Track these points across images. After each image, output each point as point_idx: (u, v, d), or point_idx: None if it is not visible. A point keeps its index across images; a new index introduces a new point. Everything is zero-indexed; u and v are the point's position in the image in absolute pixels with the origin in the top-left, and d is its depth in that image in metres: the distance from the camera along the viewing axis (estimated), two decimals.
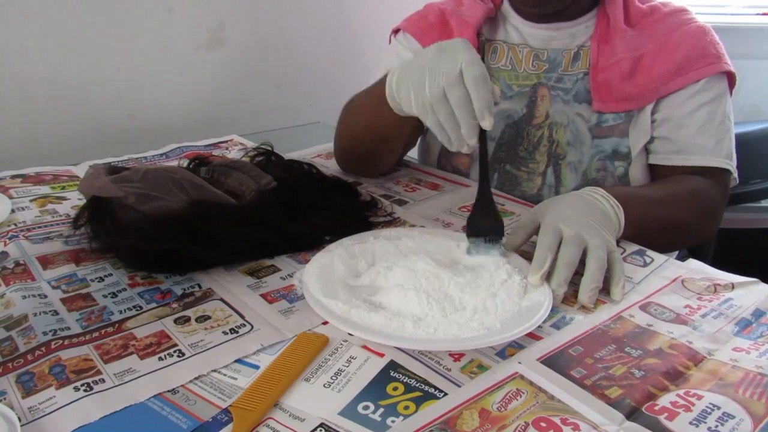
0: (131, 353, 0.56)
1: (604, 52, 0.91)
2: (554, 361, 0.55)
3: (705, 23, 0.91)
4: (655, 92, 0.88)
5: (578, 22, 0.93)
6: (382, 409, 0.50)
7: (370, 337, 0.56)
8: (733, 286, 0.67)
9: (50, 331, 0.58)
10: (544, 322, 0.60)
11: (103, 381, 0.52)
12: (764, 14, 1.85)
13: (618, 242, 0.75)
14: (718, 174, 0.89)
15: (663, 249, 0.77)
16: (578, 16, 0.93)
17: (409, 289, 0.61)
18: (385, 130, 0.89)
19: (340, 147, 1.00)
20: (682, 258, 0.78)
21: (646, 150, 0.92)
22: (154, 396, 0.51)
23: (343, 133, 0.98)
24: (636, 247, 0.77)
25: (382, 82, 0.81)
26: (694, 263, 0.72)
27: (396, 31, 1.06)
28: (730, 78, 0.90)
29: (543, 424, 0.48)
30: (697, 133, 0.88)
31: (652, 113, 0.90)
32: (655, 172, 0.93)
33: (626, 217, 0.73)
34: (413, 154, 1.11)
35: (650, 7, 0.93)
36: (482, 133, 0.68)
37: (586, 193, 0.74)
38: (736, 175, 0.91)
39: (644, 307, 0.64)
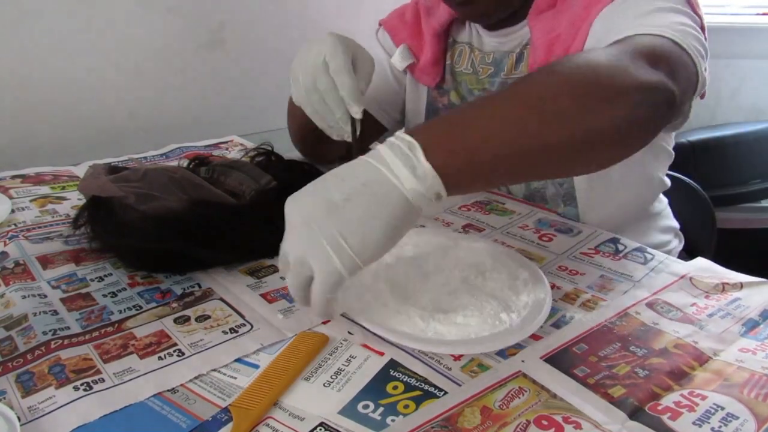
0: (131, 353, 0.56)
1: (537, 48, 0.83)
2: (558, 360, 0.55)
3: None
4: (575, 42, 0.76)
5: (523, 24, 0.87)
6: (382, 408, 0.50)
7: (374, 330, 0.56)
8: (741, 286, 0.67)
9: (50, 330, 0.58)
10: (544, 321, 0.59)
11: (103, 380, 0.52)
12: (764, 14, 1.84)
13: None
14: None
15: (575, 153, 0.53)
16: (523, 19, 0.87)
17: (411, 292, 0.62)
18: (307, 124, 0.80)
19: (293, 138, 1.03)
20: (682, 258, 0.78)
21: None
22: (154, 395, 0.51)
23: (290, 128, 1.01)
24: (636, 245, 0.76)
25: None
26: (702, 262, 0.72)
27: (380, 25, 1.06)
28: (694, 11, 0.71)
29: (545, 423, 0.48)
30: (612, 24, 0.68)
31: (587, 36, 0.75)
32: None
33: (441, 148, 0.50)
34: None
35: None
36: (353, 122, 0.72)
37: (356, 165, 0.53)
38: (702, 69, 0.65)
39: (651, 305, 0.64)
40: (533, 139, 0.51)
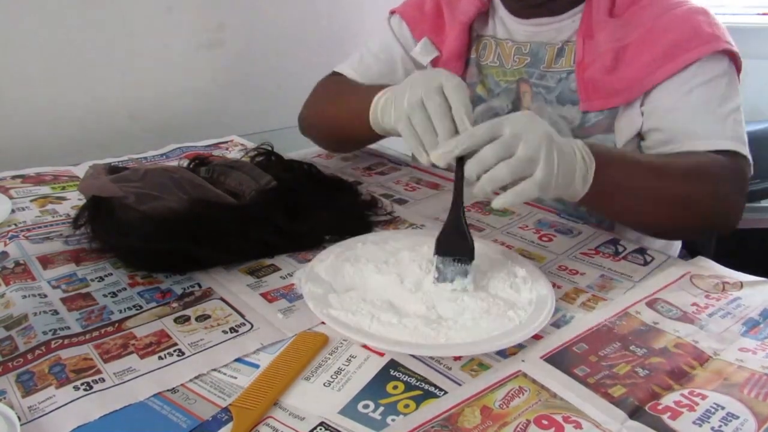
0: (131, 352, 0.56)
1: (589, 48, 0.84)
2: (558, 359, 0.55)
3: (700, 5, 0.82)
4: (641, 84, 0.80)
5: (564, 17, 0.88)
6: (382, 408, 0.50)
7: (372, 342, 0.56)
8: (741, 285, 0.67)
9: (50, 330, 0.58)
10: (552, 314, 0.59)
11: (103, 380, 0.52)
12: (764, 14, 1.84)
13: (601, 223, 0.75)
14: (730, 156, 0.76)
15: (660, 230, 0.73)
16: (564, 11, 0.88)
17: (409, 291, 0.61)
18: (358, 136, 0.92)
19: (307, 125, 1.04)
20: (683, 258, 0.78)
21: (640, 149, 0.85)
22: (154, 395, 0.51)
23: (312, 117, 1.01)
24: (636, 246, 0.76)
25: (362, 99, 0.82)
26: (703, 261, 0.72)
27: (392, 13, 1.05)
28: (735, 59, 0.80)
29: (545, 422, 0.48)
30: (690, 118, 0.78)
31: (641, 105, 0.82)
32: None
33: (604, 171, 0.65)
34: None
35: None
36: (459, 161, 0.62)
37: (567, 139, 0.66)
38: (750, 161, 0.79)
39: (651, 304, 0.64)
40: (661, 220, 0.74)
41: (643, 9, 0.83)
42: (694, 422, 0.48)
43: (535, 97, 0.91)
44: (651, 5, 0.82)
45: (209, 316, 0.61)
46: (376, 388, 0.52)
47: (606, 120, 0.84)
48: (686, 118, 0.78)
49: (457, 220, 0.63)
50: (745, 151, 0.78)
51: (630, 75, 0.81)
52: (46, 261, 0.71)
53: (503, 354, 0.56)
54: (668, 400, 0.51)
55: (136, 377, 0.53)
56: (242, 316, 0.62)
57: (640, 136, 0.84)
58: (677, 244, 0.99)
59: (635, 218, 0.74)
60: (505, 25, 0.94)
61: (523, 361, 0.55)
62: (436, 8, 1.00)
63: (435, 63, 0.98)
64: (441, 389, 0.52)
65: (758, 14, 1.85)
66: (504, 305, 0.60)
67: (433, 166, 0.64)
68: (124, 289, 0.66)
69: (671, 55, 0.78)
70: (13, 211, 0.82)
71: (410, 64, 1.02)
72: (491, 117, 0.94)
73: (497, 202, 0.61)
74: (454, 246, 0.63)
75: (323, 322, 0.59)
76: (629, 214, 0.73)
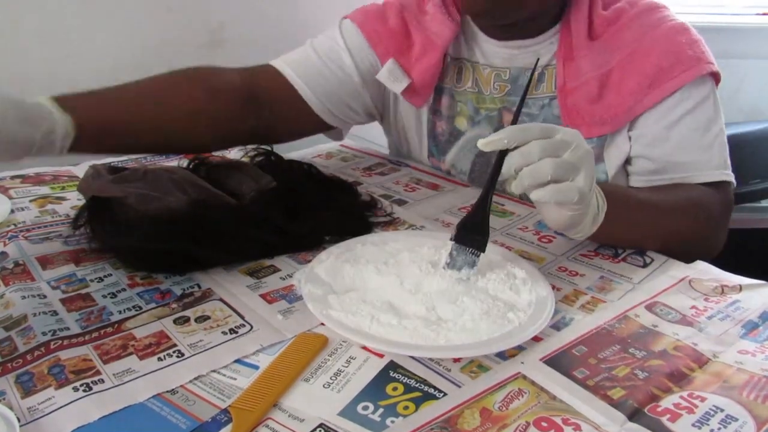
0: (130, 353, 0.56)
1: (570, 72, 0.82)
2: (557, 362, 0.55)
3: (679, 21, 0.81)
4: (628, 112, 0.80)
5: (541, 39, 0.85)
6: (381, 410, 0.50)
7: (371, 344, 0.55)
8: (740, 288, 0.67)
9: (49, 331, 0.58)
10: (552, 316, 0.59)
11: (103, 381, 0.52)
12: (764, 14, 1.84)
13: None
14: (716, 185, 0.80)
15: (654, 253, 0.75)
16: (540, 32, 0.85)
17: (408, 292, 0.61)
18: None
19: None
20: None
21: (626, 172, 0.86)
22: (154, 396, 0.51)
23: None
24: (635, 247, 0.76)
25: None
26: (701, 264, 0.72)
27: (345, 19, 0.96)
28: (715, 76, 0.81)
29: (544, 424, 0.48)
30: (679, 147, 0.80)
31: (629, 130, 0.83)
32: None
33: (612, 212, 0.66)
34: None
35: (615, 11, 0.82)
36: (500, 154, 0.62)
37: None
38: (733, 181, 0.82)
39: (650, 307, 0.64)
40: (656, 250, 0.75)
41: (622, 30, 0.81)
42: (693, 424, 0.48)
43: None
44: (630, 26, 0.81)
45: (209, 317, 0.61)
46: (375, 389, 0.52)
47: (596, 149, 0.83)
48: (674, 150, 0.80)
49: (482, 213, 0.64)
50: (731, 177, 0.81)
51: (615, 103, 0.81)
52: (45, 261, 0.71)
53: (503, 356, 0.56)
54: (667, 402, 0.51)
55: (136, 378, 0.53)
56: (242, 317, 0.62)
57: (626, 161, 0.85)
58: None
59: (631, 247, 0.76)
60: (481, 48, 0.90)
61: (522, 363, 0.55)
62: (402, 24, 0.92)
63: (404, 90, 0.92)
64: (440, 391, 0.52)
65: (758, 14, 1.85)
66: (504, 307, 0.60)
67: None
68: (124, 289, 0.66)
69: (656, 82, 0.79)
70: (12, 211, 0.82)
71: (357, 79, 0.93)
72: (472, 149, 0.93)
73: (537, 193, 0.59)
74: (473, 237, 0.64)
75: (323, 324, 0.59)
76: (625, 245, 0.76)
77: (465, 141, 0.95)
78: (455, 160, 0.97)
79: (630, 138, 0.83)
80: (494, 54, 0.89)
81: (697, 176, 0.80)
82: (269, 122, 0.90)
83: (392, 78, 0.91)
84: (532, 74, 0.72)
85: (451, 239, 0.65)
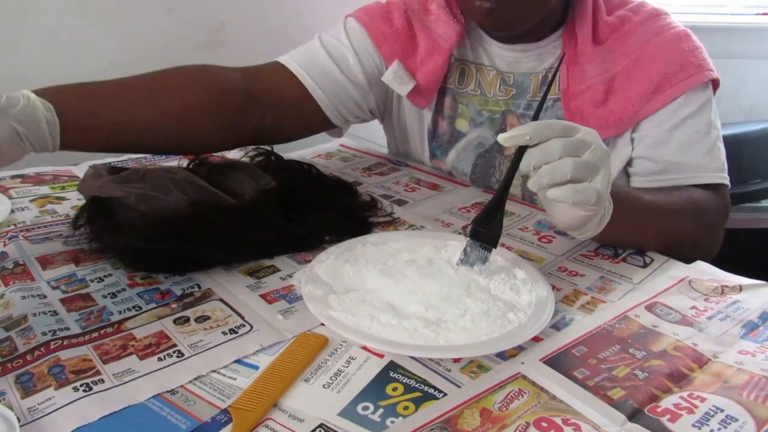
0: (130, 353, 0.56)
1: (574, 76, 0.84)
2: (557, 362, 0.55)
3: (681, 28, 0.84)
4: (633, 116, 0.82)
5: (544, 43, 0.87)
6: (381, 410, 0.50)
7: (371, 344, 0.55)
8: (740, 288, 0.67)
9: (49, 331, 0.58)
10: (552, 316, 0.59)
11: (103, 381, 0.52)
12: (764, 14, 1.84)
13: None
14: (714, 188, 0.83)
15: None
16: (545, 36, 0.86)
17: (408, 292, 0.61)
18: None
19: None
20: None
21: (627, 173, 0.87)
22: (154, 396, 0.51)
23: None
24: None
25: None
26: (701, 265, 0.72)
27: (349, 17, 0.95)
28: (714, 83, 0.83)
29: (544, 424, 0.48)
30: (681, 149, 0.82)
31: (632, 132, 0.84)
32: None
33: (618, 213, 0.67)
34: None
35: (619, 18, 0.84)
36: (519, 150, 0.61)
37: None
38: (729, 185, 0.84)
39: (650, 308, 0.64)
40: (656, 251, 0.75)
41: (627, 35, 0.83)
42: (693, 425, 0.48)
43: None
44: (634, 32, 0.83)
45: (209, 317, 0.61)
46: (375, 389, 0.52)
47: None
48: (676, 151, 0.82)
49: (496, 209, 0.64)
50: (726, 179, 0.84)
51: (620, 107, 0.82)
52: (45, 261, 0.71)
53: (503, 356, 0.56)
54: (667, 402, 0.51)
55: (136, 378, 0.53)
56: (242, 317, 0.62)
57: (627, 162, 0.86)
58: None
59: (631, 247, 0.76)
60: (487, 50, 0.91)
61: (522, 363, 0.55)
62: (407, 25, 0.92)
63: (409, 92, 0.92)
64: (440, 391, 0.52)
65: (758, 14, 1.85)
66: (504, 307, 0.60)
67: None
68: (124, 289, 0.66)
69: (660, 87, 0.81)
70: (12, 211, 0.82)
71: (363, 79, 0.93)
72: (474, 149, 0.94)
73: (554, 192, 0.59)
74: (487, 233, 0.64)
75: (323, 324, 0.59)
76: (626, 245, 0.76)
77: (466, 142, 0.95)
78: (456, 161, 0.97)
79: (632, 140, 0.84)
80: (499, 57, 0.90)
81: (698, 178, 0.82)
82: (273, 122, 0.89)
83: (397, 80, 0.91)
84: (556, 70, 0.72)
85: (466, 235, 0.65)
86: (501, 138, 0.60)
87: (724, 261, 0.75)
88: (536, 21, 0.83)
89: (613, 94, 0.83)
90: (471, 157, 0.95)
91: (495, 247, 0.64)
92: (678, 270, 0.71)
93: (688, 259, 0.73)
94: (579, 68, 0.84)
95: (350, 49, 0.92)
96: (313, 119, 0.93)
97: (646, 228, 0.74)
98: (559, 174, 0.58)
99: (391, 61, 0.92)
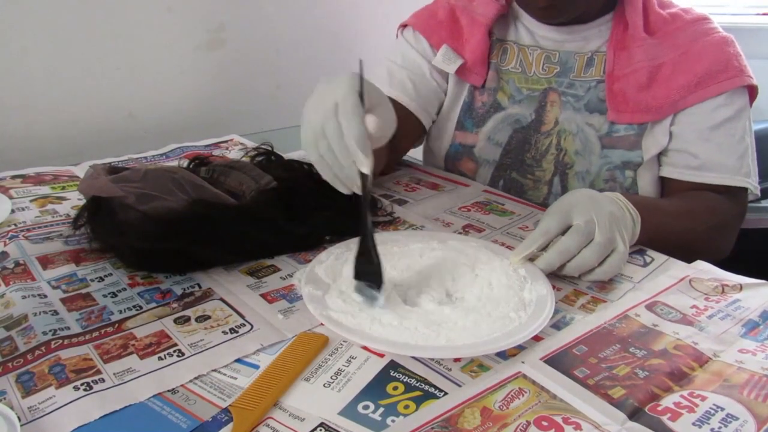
0: (131, 353, 0.56)
1: (620, 60, 0.88)
2: (558, 361, 0.55)
3: (726, 34, 0.89)
4: (673, 105, 0.86)
5: (592, 25, 0.91)
6: (382, 409, 0.50)
7: (372, 344, 0.55)
8: (741, 287, 0.67)
9: (50, 330, 0.58)
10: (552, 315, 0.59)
11: (103, 380, 0.52)
12: (764, 14, 1.84)
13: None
14: (737, 192, 0.87)
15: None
16: (592, 19, 0.91)
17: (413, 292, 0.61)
18: None
19: None
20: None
21: (659, 162, 0.90)
22: (154, 396, 0.51)
23: None
24: (636, 247, 0.76)
25: None
26: (702, 264, 0.72)
27: (404, 26, 1.04)
28: (751, 91, 0.87)
29: (545, 423, 0.48)
30: (718, 149, 0.86)
31: (671, 125, 0.87)
32: (668, 186, 0.90)
33: (642, 226, 0.72)
34: (416, 155, 1.11)
35: (671, 15, 0.90)
36: (362, 177, 0.59)
37: (607, 194, 0.72)
38: (758, 191, 0.88)
39: (650, 307, 0.64)
40: (677, 255, 0.76)
41: (678, 31, 0.88)
42: (693, 423, 0.48)
43: (563, 105, 0.92)
44: (685, 29, 0.88)
45: (209, 317, 0.61)
46: (376, 389, 0.52)
47: (634, 136, 0.88)
48: (715, 151, 0.86)
49: (368, 250, 0.61)
50: (752, 185, 0.88)
51: (663, 95, 0.86)
52: (46, 261, 0.71)
53: (503, 355, 0.56)
54: (668, 401, 0.51)
55: (136, 378, 0.53)
56: (242, 316, 0.62)
57: (660, 152, 0.90)
58: None
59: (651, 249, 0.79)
60: (530, 30, 0.95)
61: (523, 362, 0.55)
62: (451, 14, 0.99)
63: (461, 70, 0.97)
64: (441, 390, 0.52)
65: (758, 14, 1.85)
66: (504, 306, 0.60)
67: None
68: (124, 289, 0.66)
69: (704, 83, 0.85)
70: (13, 211, 0.82)
71: (437, 75, 1.00)
72: (512, 124, 0.96)
73: (590, 278, 0.68)
74: (367, 272, 0.61)
75: (323, 323, 0.59)
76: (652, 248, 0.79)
77: (505, 115, 0.97)
78: (493, 131, 0.98)
79: (671, 133, 0.88)
80: (544, 37, 0.94)
81: (728, 179, 0.86)
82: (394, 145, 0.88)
83: (447, 61, 0.97)
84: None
85: (354, 278, 0.62)
86: (513, 260, 0.67)
87: (724, 261, 0.75)
88: (588, 8, 0.88)
89: (658, 81, 0.87)
90: (508, 130, 0.97)
91: (383, 283, 0.60)
92: (678, 269, 0.71)
93: (689, 259, 0.74)
94: (627, 53, 0.88)
95: (415, 51, 1.00)
96: (412, 128, 0.99)
97: (668, 235, 0.78)
98: (587, 267, 0.67)
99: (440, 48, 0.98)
